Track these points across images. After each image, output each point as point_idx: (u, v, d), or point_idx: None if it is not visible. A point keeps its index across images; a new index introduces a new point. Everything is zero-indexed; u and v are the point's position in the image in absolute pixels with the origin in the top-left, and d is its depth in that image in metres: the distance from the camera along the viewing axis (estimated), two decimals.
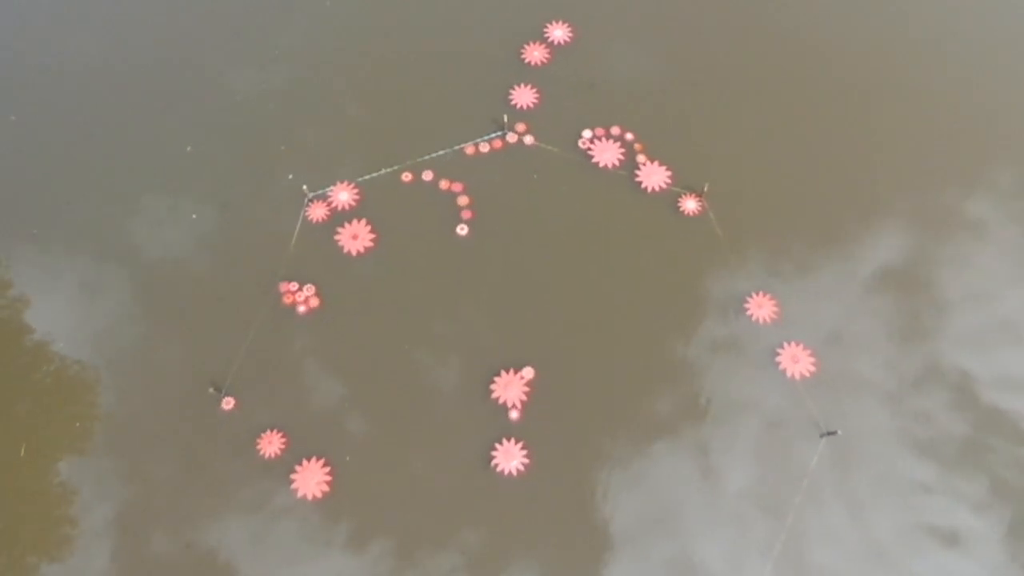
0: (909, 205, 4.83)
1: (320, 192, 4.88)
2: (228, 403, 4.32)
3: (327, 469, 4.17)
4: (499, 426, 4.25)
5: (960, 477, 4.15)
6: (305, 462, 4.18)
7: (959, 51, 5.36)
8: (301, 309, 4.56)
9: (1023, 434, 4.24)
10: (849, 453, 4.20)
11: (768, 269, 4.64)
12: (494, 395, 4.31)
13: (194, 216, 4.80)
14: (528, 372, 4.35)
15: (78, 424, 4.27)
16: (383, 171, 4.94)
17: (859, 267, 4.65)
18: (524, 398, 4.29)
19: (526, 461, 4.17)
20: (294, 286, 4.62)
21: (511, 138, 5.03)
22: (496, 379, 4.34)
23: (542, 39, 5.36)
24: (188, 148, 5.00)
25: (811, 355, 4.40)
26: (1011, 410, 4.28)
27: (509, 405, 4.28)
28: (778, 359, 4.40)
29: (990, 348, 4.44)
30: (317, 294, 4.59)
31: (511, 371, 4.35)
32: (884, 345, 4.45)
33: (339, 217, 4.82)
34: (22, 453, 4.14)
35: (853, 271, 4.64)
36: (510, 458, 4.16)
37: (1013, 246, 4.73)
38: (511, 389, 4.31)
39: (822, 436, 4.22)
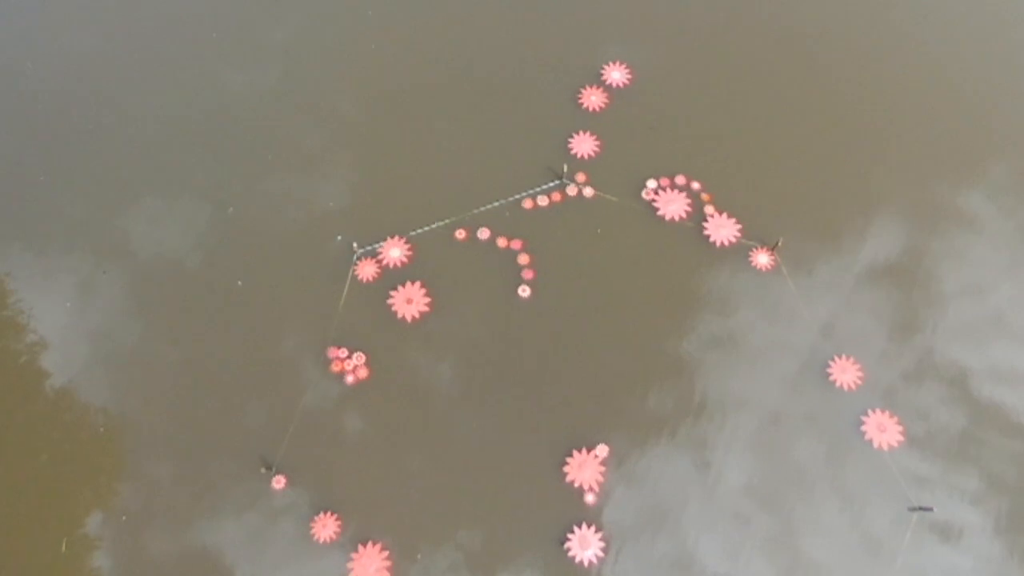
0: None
1: (369, 248, 4.59)
2: (279, 482, 4.04)
3: (385, 554, 3.89)
4: (574, 511, 3.96)
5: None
6: (361, 547, 3.90)
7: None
8: (349, 379, 4.27)
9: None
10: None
11: (848, 328, 4.36)
12: (568, 478, 4.02)
13: (240, 283, 4.52)
14: (602, 450, 4.06)
15: (120, 517, 4.00)
16: (435, 224, 4.65)
17: (942, 326, 4.37)
18: (600, 479, 4.01)
19: (601, 555, 3.87)
20: (343, 352, 4.33)
21: (571, 190, 4.73)
22: (568, 460, 4.05)
23: (600, 83, 5.06)
24: (230, 209, 4.72)
25: (898, 423, 4.12)
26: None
27: (585, 488, 3.99)
28: (863, 428, 4.12)
29: None
30: (367, 364, 4.29)
31: (584, 450, 4.07)
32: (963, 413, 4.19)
33: (390, 276, 4.53)
34: (63, 549, 3.85)
35: (940, 327, 4.36)
36: (586, 546, 3.87)
37: None
38: (586, 470, 4.02)
39: (911, 511, 3.95)
